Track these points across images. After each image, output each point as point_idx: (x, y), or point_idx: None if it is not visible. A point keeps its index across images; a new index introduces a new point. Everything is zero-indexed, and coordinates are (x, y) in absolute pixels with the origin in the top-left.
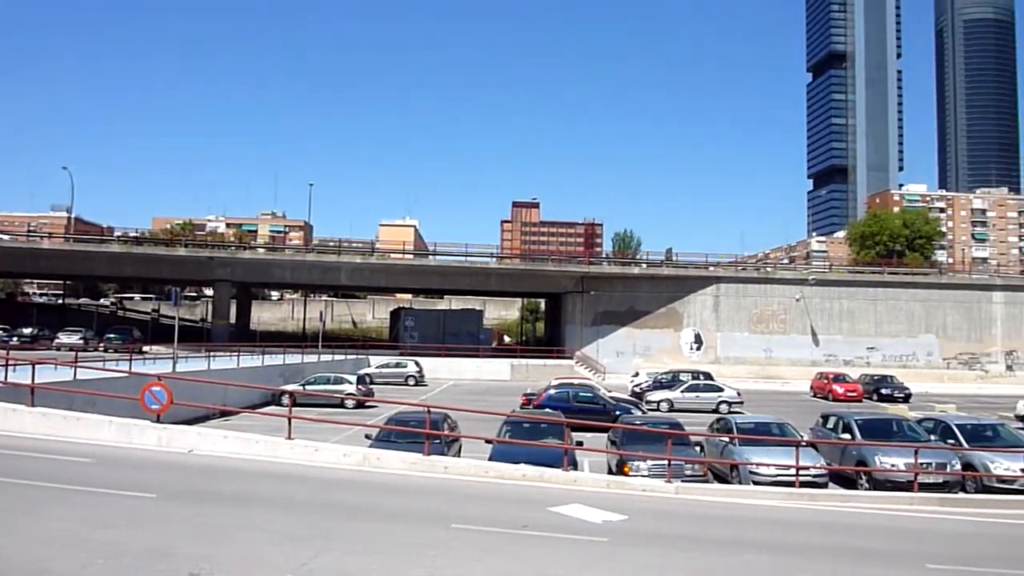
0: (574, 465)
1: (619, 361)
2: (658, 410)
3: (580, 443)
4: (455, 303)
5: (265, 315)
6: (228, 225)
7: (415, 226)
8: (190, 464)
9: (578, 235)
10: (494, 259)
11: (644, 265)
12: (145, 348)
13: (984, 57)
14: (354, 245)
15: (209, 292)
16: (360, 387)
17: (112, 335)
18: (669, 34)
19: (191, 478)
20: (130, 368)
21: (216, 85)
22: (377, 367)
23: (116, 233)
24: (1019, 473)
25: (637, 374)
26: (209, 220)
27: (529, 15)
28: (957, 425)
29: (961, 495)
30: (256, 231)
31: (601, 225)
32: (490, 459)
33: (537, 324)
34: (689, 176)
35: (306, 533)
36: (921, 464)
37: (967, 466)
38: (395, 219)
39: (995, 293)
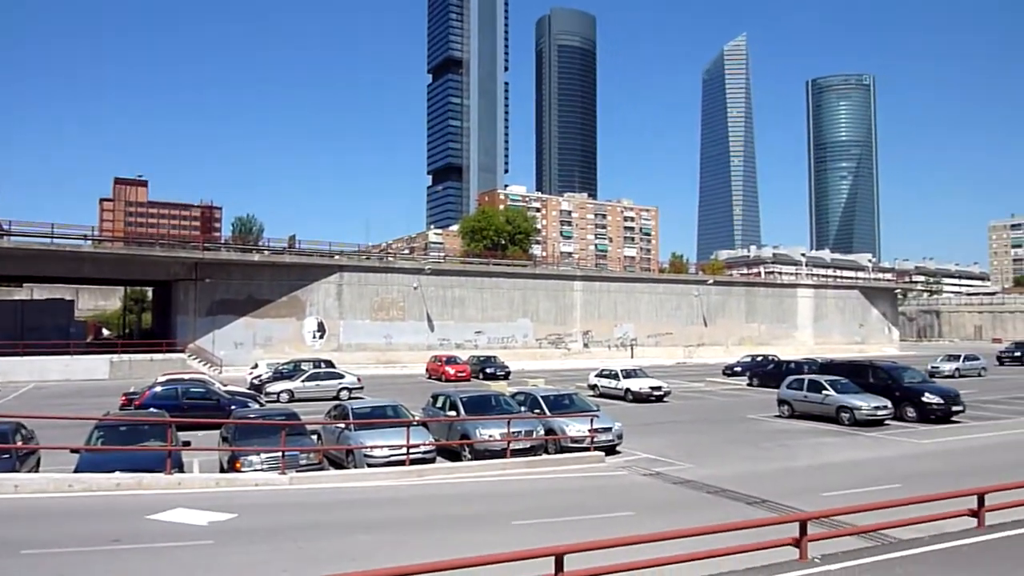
0: (179, 467)
1: (238, 353)
2: (278, 401)
3: (187, 443)
4: (38, 292)
5: None
6: None
7: None
8: None
9: (194, 218)
10: (90, 242)
11: (266, 252)
12: None
13: (572, 79)
14: None
15: None
16: None
17: None
18: (297, 23)
19: None
20: None
21: None
22: None
23: None
24: (587, 434)
25: (256, 365)
26: None
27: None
28: (542, 396)
29: (544, 456)
30: None
31: (220, 208)
32: (77, 470)
33: (144, 315)
34: (318, 165)
35: None
36: (513, 433)
37: (549, 431)
38: None
39: (575, 283)
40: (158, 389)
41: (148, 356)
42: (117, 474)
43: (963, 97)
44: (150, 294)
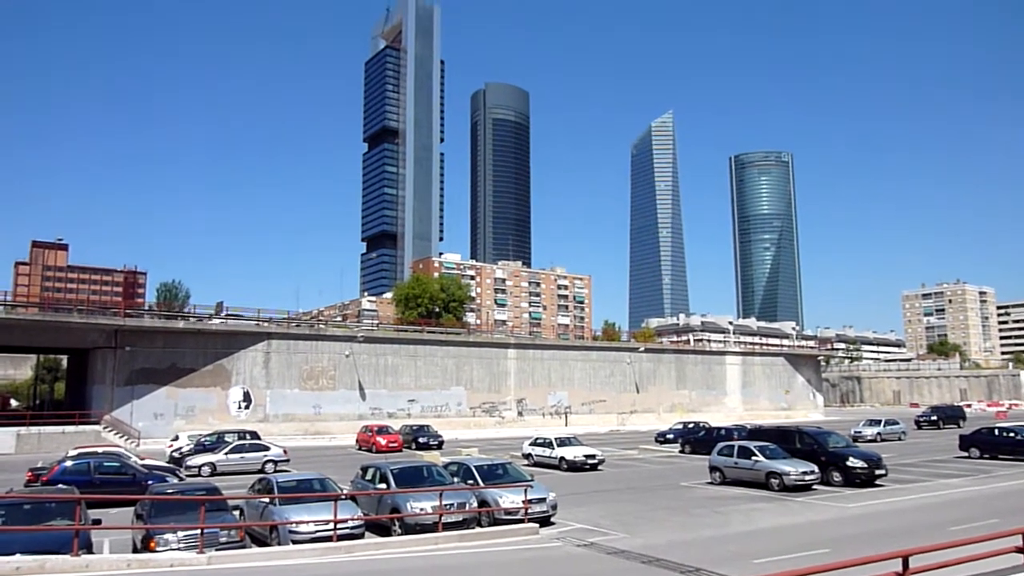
0: (88, 548)
1: (157, 424)
2: (200, 475)
3: (98, 521)
4: None
5: None
6: None
7: None
8: None
9: (116, 283)
10: (1, 307)
11: (192, 319)
12: None
13: (506, 151)
14: None
15: None
16: None
17: None
18: (231, 87)
19: None
20: None
21: None
22: None
23: None
24: (521, 505)
25: (177, 437)
26: None
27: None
28: (475, 467)
29: (477, 529)
30: None
31: (144, 274)
32: None
33: (57, 385)
34: (249, 231)
35: None
36: (445, 505)
37: (482, 503)
38: None
39: (509, 350)
40: (68, 464)
41: (60, 428)
42: (17, 556)
43: (874, 174)
44: (65, 363)
